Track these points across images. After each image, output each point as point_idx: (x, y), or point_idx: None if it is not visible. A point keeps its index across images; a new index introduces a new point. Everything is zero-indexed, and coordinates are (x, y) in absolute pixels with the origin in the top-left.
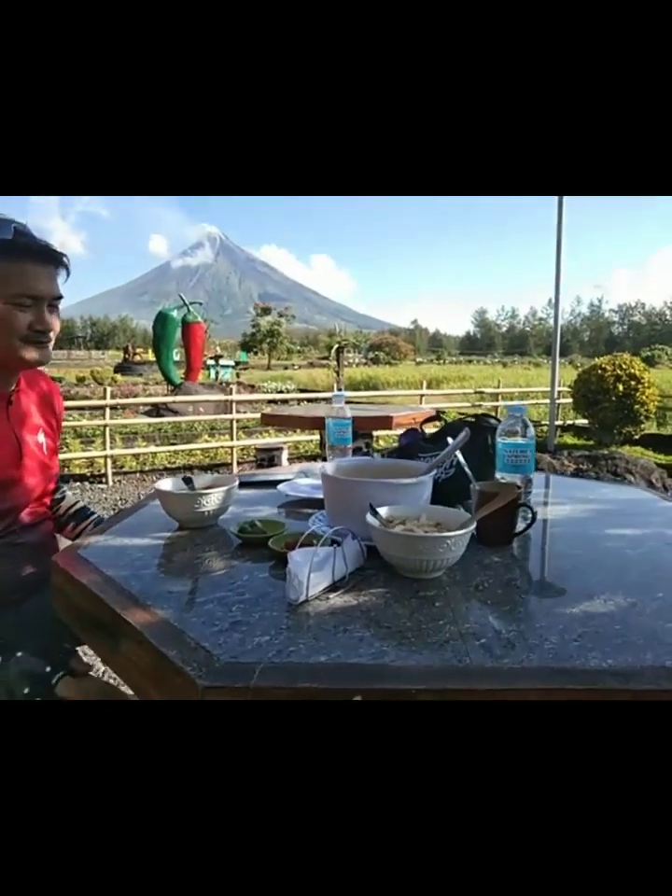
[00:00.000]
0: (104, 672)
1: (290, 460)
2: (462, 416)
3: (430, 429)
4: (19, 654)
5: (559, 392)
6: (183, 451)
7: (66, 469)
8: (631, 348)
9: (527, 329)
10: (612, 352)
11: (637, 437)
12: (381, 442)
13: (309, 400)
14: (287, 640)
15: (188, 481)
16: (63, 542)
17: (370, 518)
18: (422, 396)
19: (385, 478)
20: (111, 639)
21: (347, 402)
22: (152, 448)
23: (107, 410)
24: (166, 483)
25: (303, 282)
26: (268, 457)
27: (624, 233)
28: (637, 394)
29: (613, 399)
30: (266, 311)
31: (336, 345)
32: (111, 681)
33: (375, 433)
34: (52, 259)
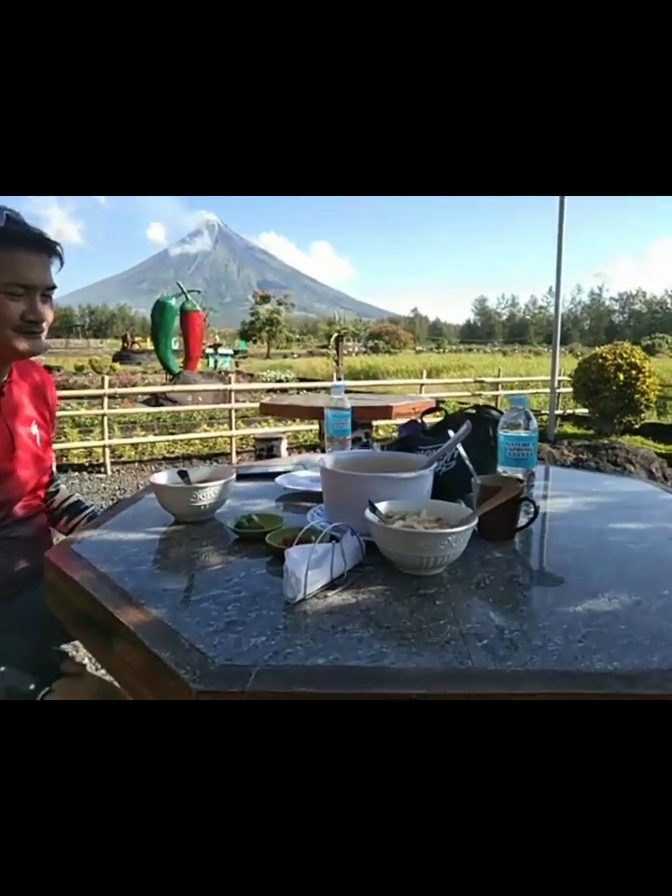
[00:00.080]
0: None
1: (289, 450)
2: (463, 407)
3: (431, 420)
4: (2, 669)
5: (559, 381)
6: (182, 440)
7: (64, 459)
8: (631, 337)
9: (528, 317)
10: (613, 341)
11: (637, 426)
12: (380, 432)
13: (308, 390)
14: (283, 641)
15: (183, 474)
16: (58, 536)
17: (368, 514)
18: (422, 385)
19: (384, 471)
20: (104, 639)
21: (346, 392)
22: (151, 438)
23: (105, 399)
24: (161, 477)
25: (303, 269)
26: (267, 447)
27: (627, 219)
28: (638, 383)
29: (614, 388)
30: (265, 299)
31: (335, 334)
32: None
33: (375, 423)
34: (45, 248)
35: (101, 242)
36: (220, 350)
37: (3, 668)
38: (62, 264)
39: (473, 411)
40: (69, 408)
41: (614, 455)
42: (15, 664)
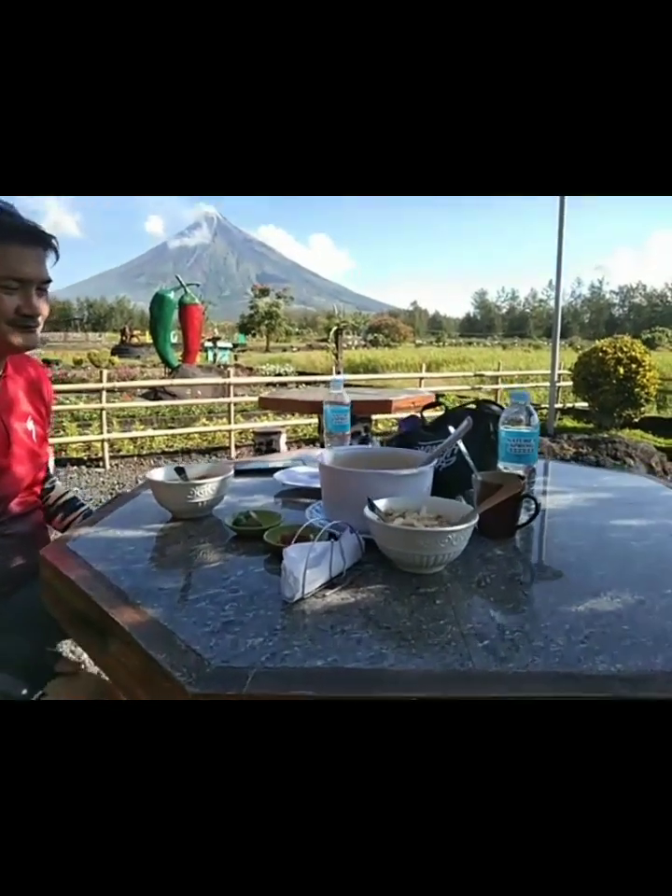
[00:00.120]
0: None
1: (288, 444)
2: (463, 401)
3: (430, 413)
4: None
5: (559, 375)
6: (181, 435)
7: (63, 453)
8: (631, 330)
9: (527, 310)
10: (612, 334)
11: (636, 420)
12: (380, 426)
13: (307, 383)
14: (281, 642)
15: (180, 471)
16: (55, 534)
17: (367, 512)
18: (421, 379)
19: (384, 468)
20: (100, 638)
21: (346, 385)
22: (150, 432)
23: (103, 393)
24: (158, 473)
25: (302, 262)
26: (266, 441)
27: (627, 210)
28: (638, 377)
29: (614, 381)
30: (264, 292)
31: (335, 327)
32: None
33: (374, 417)
34: (40, 241)
35: (99, 235)
36: (219, 343)
37: None
38: (57, 258)
39: (474, 406)
40: (68, 402)
41: (614, 450)
42: (11, 663)
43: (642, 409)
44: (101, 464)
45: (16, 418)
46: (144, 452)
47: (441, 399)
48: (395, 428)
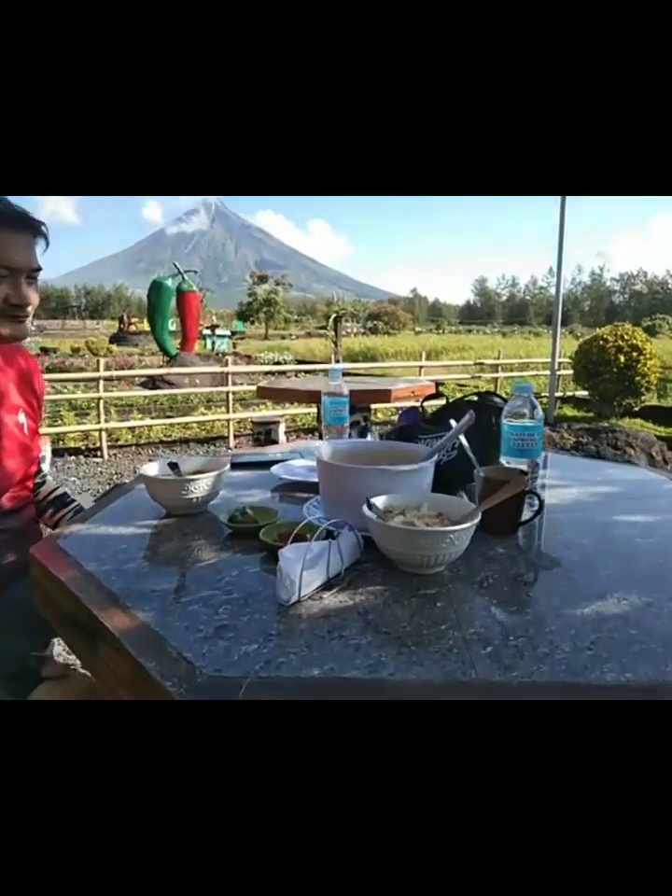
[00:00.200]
0: None
1: (288, 434)
2: (463, 392)
3: (431, 405)
4: None
5: (559, 363)
6: (179, 424)
7: (61, 443)
8: (632, 318)
9: (527, 297)
10: (613, 321)
11: (636, 409)
12: (379, 415)
13: (307, 372)
14: (276, 649)
15: (173, 466)
16: (47, 530)
17: (366, 511)
18: (421, 367)
19: (383, 463)
20: (89, 642)
21: (345, 374)
22: (148, 421)
23: (101, 382)
24: (152, 468)
25: (300, 248)
26: (265, 431)
27: (628, 198)
28: (639, 365)
29: (614, 370)
30: (263, 279)
31: (334, 315)
32: None
33: (374, 407)
34: (29, 228)
35: (96, 221)
36: (218, 331)
37: None
38: (47, 245)
39: (475, 398)
40: (65, 391)
41: (614, 439)
42: (4, 662)
43: (642, 398)
44: (99, 454)
45: (7, 411)
46: (142, 441)
47: (440, 389)
48: (395, 418)
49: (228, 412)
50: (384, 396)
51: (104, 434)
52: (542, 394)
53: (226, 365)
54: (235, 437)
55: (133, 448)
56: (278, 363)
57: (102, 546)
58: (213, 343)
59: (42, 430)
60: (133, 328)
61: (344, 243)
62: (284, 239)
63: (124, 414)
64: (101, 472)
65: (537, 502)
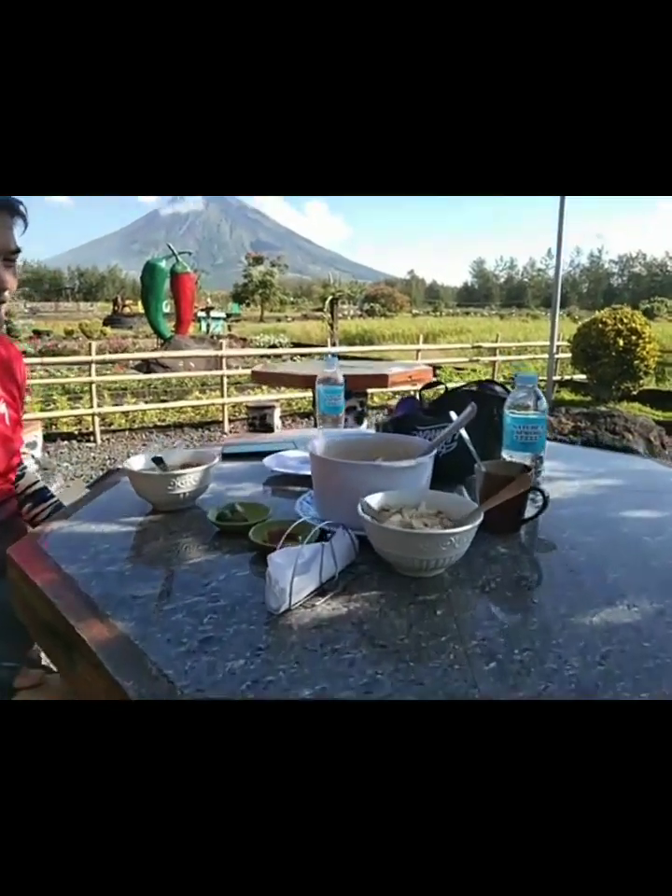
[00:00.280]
0: None
1: (283, 418)
2: (461, 375)
3: (429, 394)
4: None
5: (557, 347)
6: (173, 408)
7: (53, 428)
8: (630, 300)
9: (526, 280)
10: (611, 304)
11: (635, 393)
12: (376, 399)
13: (302, 355)
14: (264, 666)
15: (158, 461)
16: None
17: (360, 513)
18: (418, 351)
19: (380, 456)
20: (67, 652)
21: (341, 358)
22: (142, 405)
23: (93, 366)
24: (137, 462)
25: (296, 229)
26: (260, 416)
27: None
28: (638, 349)
29: (613, 354)
30: (258, 260)
31: (330, 297)
32: None
33: (370, 391)
34: (6, 208)
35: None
36: (213, 313)
37: None
38: (26, 226)
39: (475, 387)
40: (58, 374)
41: (612, 424)
42: None
43: (641, 382)
44: (92, 438)
45: None
46: (136, 426)
47: (438, 375)
48: (391, 402)
49: (222, 396)
50: (380, 381)
51: (97, 419)
52: (540, 377)
53: (220, 348)
54: (230, 421)
55: (127, 433)
56: (274, 346)
57: (83, 546)
58: (208, 325)
59: (34, 415)
60: (127, 310)
61: (341, 224)
62: (280, 220)
63: (118, 398)
64: (94, 458)
65: (541, 499)
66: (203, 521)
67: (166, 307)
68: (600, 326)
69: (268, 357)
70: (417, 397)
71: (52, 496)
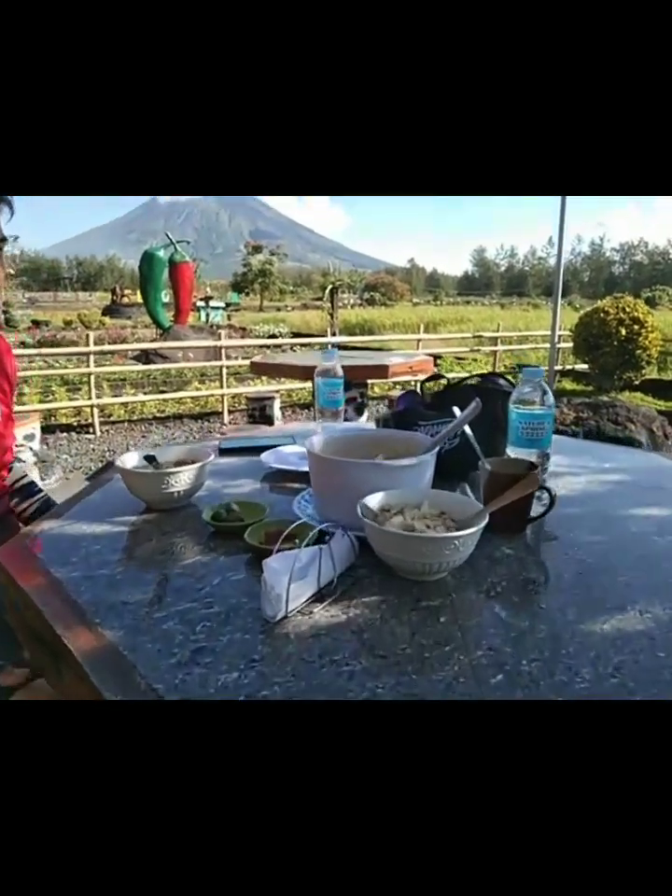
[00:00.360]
0: None
1: (283, 409)
2: (462, 367)
3: (429, 383)
4: None
5: (559, 336)
6: (172, 399)
7: (52, 419)
8: (631, 289)
9: (526, 268)
10: (612, 293)
11: (637, 383)
12: (376, 389)
13: (302, 345)
14: (258, 679)
15: (151, 459)
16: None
17: (360, 515)
18: (419, 340)
19: (380, 453)
20: (54, 660)
21: (341, 348)
22: (141, 397)
23: (91, 357)
24: (130, 459)
25: (296, 218)
26: (260, 407)
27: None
28: (640, 338)
29: (615, 343)
30: (257, 249)
31: (330, 286)
32: None
33: (370, 381)
34: None
35: None
36: (212, 303)
37: None
38: (12, 213)
39: (478, 380)
40: (57, 365)
41: (615, 414)
42: None
43: (643, 371)
44: (91, 430)
45: None
46: (135, 417)
47: (439, 363)
48: (392, 392)
49: (222, 387)
50: (380, 372)
51: (95, 410)
52: (542, 367)
53: (220, 338)
54: (230, 413)
55: (126, 424)
56: (273, 336)
57: (74, 547)
58: (207, 314)
59: (32, 407)
60: (126, 299)
61: (341, 212)
62: (279, 208)
63: (117, 389)
64: (93, 449)
65: (548, 498)
66: (197, 520)
67: (165, 297)
68: (602, 315)
69: (267, 347)
70: (419, 390)
71: (40, 490)
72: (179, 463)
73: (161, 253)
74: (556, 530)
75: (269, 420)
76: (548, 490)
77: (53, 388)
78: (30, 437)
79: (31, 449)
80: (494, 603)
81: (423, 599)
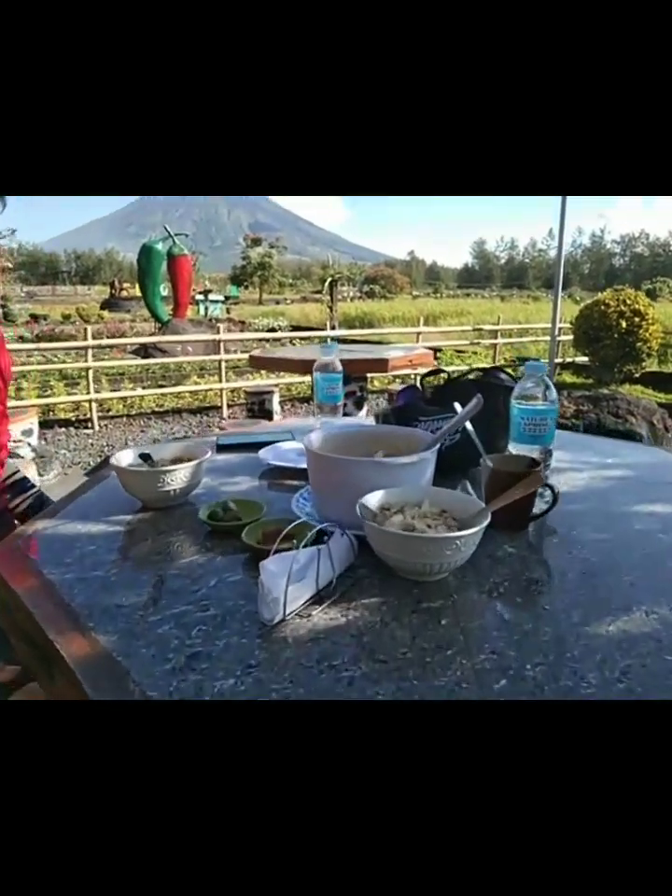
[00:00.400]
0: None
1: (282, 403)
2: (462, 360)
3: (430, 378)
4: None
5: (559, 329)
6: (171, 394)
7: (51, 414)
8: (632, 281)
9: (527, 260)
10: (612, 285)
11: (637, 375)
12: (376, 382)
13: (302, 339)
14: (255, 685)
15: (146, 457)
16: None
17: (360, 513)
18: (419, 333)
19: (380, 448)
20: (45, 665)
21: (341, 341)
22: (139, 391)
23: (89, 351)
24: (125, 457)
25: (295, 211)
26: (259, 402)
27: None
28: (641, 331)
29: (615, 336)
30: (256, 242)
31: (329, 279)
32: None
33: (370, 375)
34: None
35: None
36: (211, 296)
37: None
38: (4, 206)
39: (479, 375)
40: (56, 360)
41: (615, 407)
42: None
43: (643, 364)
44: (89, 425)
45: None
46: (134, 412)
47: (438, 356)
48: (392, 386)
49: (221, 381)
50: (380, 365)
51: (94, 405)
52: (542, 360)
53: (218, 332)
54: (229, 407)
55: (125, 419)
56: (272, 329)
57: (68, 547)
58: (206, 308)
59: (30, 402)
60: (124, 293)
61: (341, 205)
62: (278, 201)
63: (115, 384)
64: (92, 444)
65: (550, 495)
66: (194, 519)
67: (164, 290)
68: (603, 307)
69: (267, 340)
70: (419, 385)
71: (33, 486)
72: (176, 460)
73: (160, 246)
74: (559, 527)
75: (268, 414)
76: (551, 487)
77: (51, 383)
78: (28, 432)
79: (29, 444)
80: (496, 604)
81: (424, 600)
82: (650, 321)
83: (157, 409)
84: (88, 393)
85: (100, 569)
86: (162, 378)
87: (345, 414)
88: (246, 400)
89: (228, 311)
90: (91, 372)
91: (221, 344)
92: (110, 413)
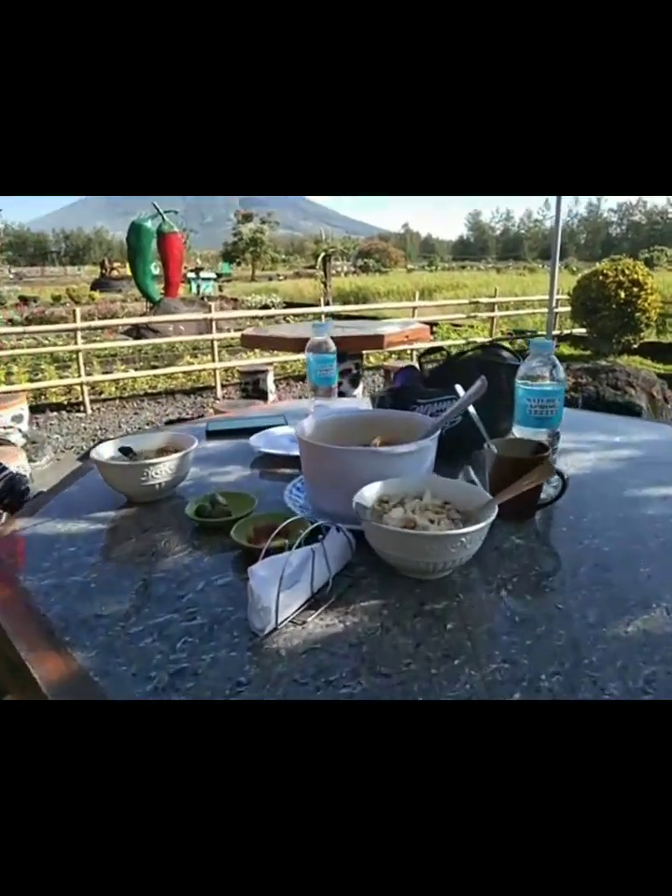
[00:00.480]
0: None
1: (277, 382)
2: (461, 339)
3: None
4: None
5: (556, 300)
6: (164, 375)
7: (43, 398)
8: (629, 250)
9: (522, 231)
10: (609, 255)
11: (635, 346)
12: (372, 359)
13: (295, 315)
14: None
15: (126, 451)
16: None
17: (357, 511)
18: (414, 308)
19: (377, 433)
20: (21, 683)
21: (336, 317)
22: (132, 373)
23: (78, 333)
24: (107, 449)
25: None
26: (253, 381)
27: None
28: (639, 301)
29: (613, 306)
30: (248, 218)
31: (322, 254)
32: None
33: (365, 352)
34: None
35: None
36: (203, 274)
37: None
38: None
39: (479, 352)
40: (46, 342)
41: (614, 379)
42: None
43: (642, 334)
44: (82, 408)
45: None
46: (126, 394)
47: (435, 330)
48: (388, 362)
49: (214, 360)
50: (376, 342)
51: (86, 388)
52: (539, 332)
53: (210, 311)
54: (223, 387)
55: (117, 401)
56: (266, 306)
57: (47, 549)
58: (198, 286)
59: (20, 386)
60: (115, 272)
61: None
62: None
63: (107, 365)
64: (84, 428)
65: (559, 481)
66: (181, 514)
67: (154, 269)
68: (601, 277)
69: (260, 318)
70: (417, 365)
71: (4, 467)
72: (161, 451)
73: (149, 224)
74: (568, 515)
75: (263, 394)
76: (560, 473)
77: (42, 366)
78: (18, 418)
79: (19, 430)
80: (505, 604)
81: (427, 602)
82: (648, 291)
83: (150, 390)
84: (79, 376)
85: (79, 574)
86: (155, 359)
87: (341, 393)
88: (240, 380)
89: (220, 288)
90: (81, 355)
91: (214, 323)
92: (103, 396)
